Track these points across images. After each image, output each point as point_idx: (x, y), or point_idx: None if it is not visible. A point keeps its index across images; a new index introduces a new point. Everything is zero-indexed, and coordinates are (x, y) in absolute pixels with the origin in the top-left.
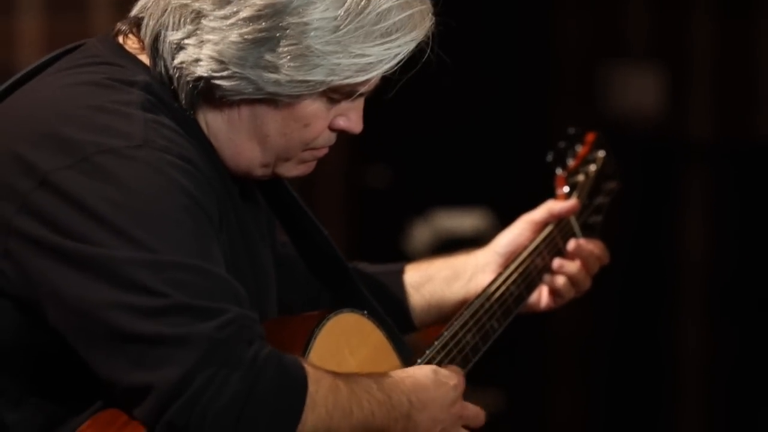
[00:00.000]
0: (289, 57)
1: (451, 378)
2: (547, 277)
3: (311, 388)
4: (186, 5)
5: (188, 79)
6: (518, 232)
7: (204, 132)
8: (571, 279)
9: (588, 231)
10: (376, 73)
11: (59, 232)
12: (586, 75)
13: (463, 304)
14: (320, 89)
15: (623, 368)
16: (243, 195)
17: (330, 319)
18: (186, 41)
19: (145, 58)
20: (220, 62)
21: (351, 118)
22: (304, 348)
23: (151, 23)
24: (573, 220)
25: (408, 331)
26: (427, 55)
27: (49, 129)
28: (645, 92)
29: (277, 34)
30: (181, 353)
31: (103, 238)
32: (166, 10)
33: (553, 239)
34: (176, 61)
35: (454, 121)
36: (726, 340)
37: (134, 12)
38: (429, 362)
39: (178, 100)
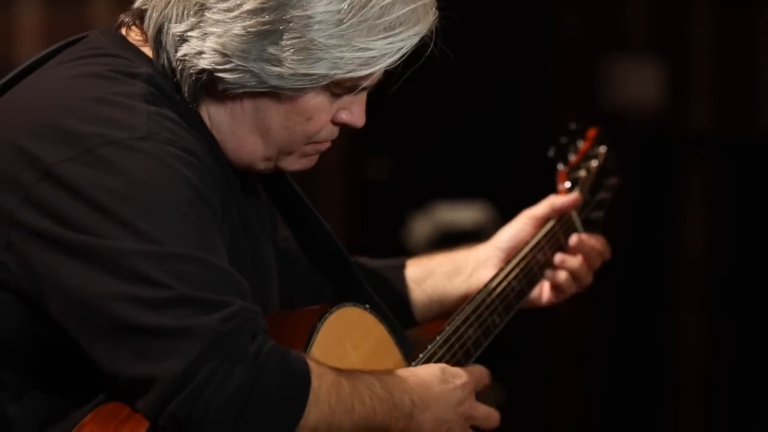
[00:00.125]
0: (292, 50)
1: (458, 377)
2: (548, 272)
3: (314, 383)
4: None
5: (191, 71)
6: (520, 227)
7: (206, 125)
8: (573, 274)
9: (589, 227)
10: (379, 67)
11: (62, 224)
12: (586, 68)
13: (464, 299)
14: (323, 83)
15: (623, 363)
16: (245, 188)
17: (332, 313)
18: (189, 33)
19: (148, 51)
20: (224, 55)
21: (354, 111)
22: (307, 342)
23: (155, 15)
24: (575, 215)
25: (409, 326)
26: (430, 49)
27: (51, 121)
28: (645, 86)
29: (281, 27)
30: (185, 345)
31: (107, 230)
32: (170, 2)
33: (555, 234)
34: (179, 54)
35: (454, 114)
36: (726, 335)
37: (137, 4)
38: (431, 356)
39: (181, 93)
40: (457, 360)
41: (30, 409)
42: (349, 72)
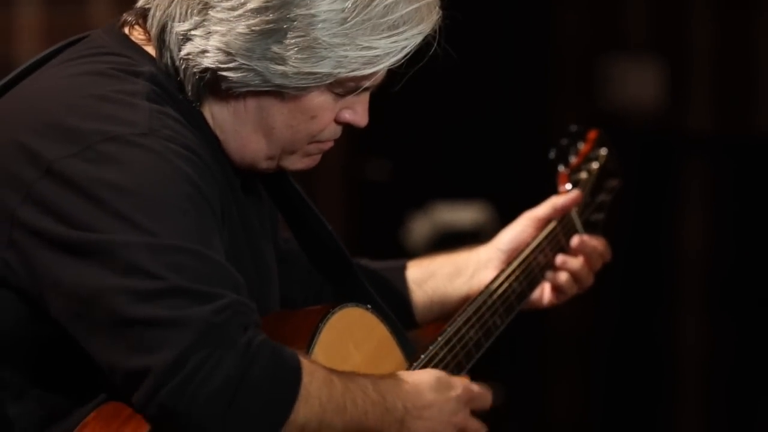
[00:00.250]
0: (296, 49)
1: (454, 388)
2: (549, 273)
3: (305, 379)
4: None
5: (195, 70)
6: (521, 228)
7: (209, 124)
8: (574, 275)
9: (590, 228)
10: (383, 66)
11: (63, 222)
12: (586, 68)
13: (465, 301)
14: (327, 81)
15: (622, 363)
16: (245, 188)
17: (334, 313)
18: (193, 32)
19: (151, 49)
20: (227, 54)
21: (357, 111)
22: (309, 342)
23: (158, 14)
24: (575, 217)
25: (410, 328)
26: (433, 48)
27: (53, 118)
28: (644, 86)
29: (285, 26)
30: (176, 335)
31: (105, 224)
32: (173, 0)
33: (556, 236)
34: (183, 53)
35: (453, 114)
36: (725, 334)
37: (140, 3)
38: (432, 357)
39: (184, 92)
40: (458, 361)
41: (31, 408)
42: (352, 71)
